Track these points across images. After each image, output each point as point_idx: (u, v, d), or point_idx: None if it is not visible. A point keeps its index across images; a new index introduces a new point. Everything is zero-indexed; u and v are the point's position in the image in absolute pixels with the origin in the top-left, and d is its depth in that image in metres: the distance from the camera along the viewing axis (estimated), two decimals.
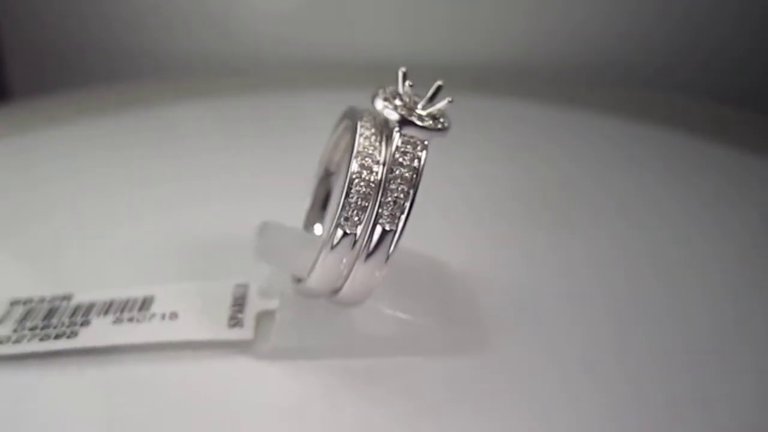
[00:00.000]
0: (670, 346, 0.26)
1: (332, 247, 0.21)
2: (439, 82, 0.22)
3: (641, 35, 0.53)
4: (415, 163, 0.21)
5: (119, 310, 0.25)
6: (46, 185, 0.38)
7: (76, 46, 0.57)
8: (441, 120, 0.22)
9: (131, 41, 0.57)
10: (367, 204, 0.21)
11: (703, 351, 0.26)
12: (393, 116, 0.21)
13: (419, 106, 0.22)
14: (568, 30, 0.54)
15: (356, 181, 0.21)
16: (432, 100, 0.22)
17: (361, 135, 0.22)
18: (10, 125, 0.45)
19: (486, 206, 0.35)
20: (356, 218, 0.21)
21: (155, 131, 0.45)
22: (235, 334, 0.24)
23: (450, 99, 0.22)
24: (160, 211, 0.34)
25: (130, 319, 0.25)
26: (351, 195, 0.21)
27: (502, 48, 0.55)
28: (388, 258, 0.21)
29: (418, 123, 0.21)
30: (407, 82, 0.22)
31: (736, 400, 0.23)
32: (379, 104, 0.22)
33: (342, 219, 0.21)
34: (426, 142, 0.22)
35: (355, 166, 0.21)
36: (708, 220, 0.35)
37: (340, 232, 0.21)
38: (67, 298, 0.26)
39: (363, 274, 0.22)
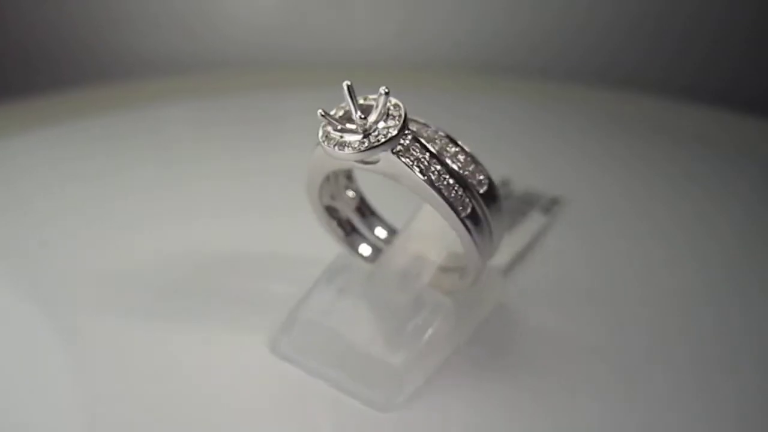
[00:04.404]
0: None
1: None
2: (383, 89, 0.20)
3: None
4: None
5: None
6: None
7: (58, 47, 0.56)
8: (383, 129, 0.21)
9: (114, 41, 0.57)
10: None
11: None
12: (346, 156, 0.21)
13: (370, 118, 0.21)
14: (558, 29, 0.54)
15: None
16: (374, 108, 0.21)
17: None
18: None
19: None
20: None
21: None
22: None
23: (386, 89, 0.20)
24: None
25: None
26: None
27: (476, 47, 0.55)
28: None
29: (350, 149, 0.21)
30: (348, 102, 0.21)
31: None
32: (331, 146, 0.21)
33: None
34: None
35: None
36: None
37: None
38: None
39: None
